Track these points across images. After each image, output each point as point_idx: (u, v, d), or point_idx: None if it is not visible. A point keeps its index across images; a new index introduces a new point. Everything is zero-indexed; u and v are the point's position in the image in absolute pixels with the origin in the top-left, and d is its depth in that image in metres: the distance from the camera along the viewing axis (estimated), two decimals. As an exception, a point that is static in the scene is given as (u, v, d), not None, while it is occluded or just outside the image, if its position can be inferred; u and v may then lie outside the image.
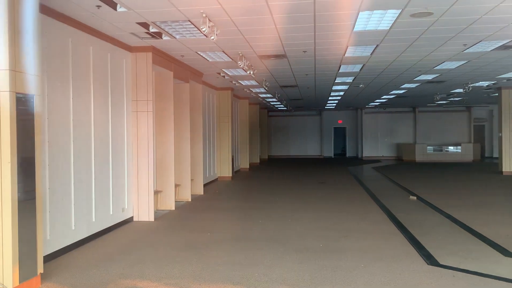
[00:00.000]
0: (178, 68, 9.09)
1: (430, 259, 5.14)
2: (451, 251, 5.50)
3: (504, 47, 8.07)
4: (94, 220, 6.39)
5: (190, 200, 9.86)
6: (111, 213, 6.95)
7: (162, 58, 8.20)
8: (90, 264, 5.14)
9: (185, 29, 6.49)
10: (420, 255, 5.32)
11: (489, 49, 8.33)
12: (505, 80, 13.03)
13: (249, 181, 14.00)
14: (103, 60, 6.70)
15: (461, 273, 4.62)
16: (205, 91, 12.49)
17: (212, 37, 6.01)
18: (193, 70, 10.16)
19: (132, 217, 7.71)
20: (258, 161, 20.47)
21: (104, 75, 6.77)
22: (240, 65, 8.58)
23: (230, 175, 14.23)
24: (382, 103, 21.69)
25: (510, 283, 4.28)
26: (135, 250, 5.78)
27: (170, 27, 6.35)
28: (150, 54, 7.64)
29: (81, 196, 6.04)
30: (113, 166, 7.01)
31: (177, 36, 6.97)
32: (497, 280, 4.37)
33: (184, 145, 9.74)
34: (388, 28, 6.61)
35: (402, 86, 14.45)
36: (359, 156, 25.50)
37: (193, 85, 10.70)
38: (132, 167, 7.70)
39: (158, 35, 6.87)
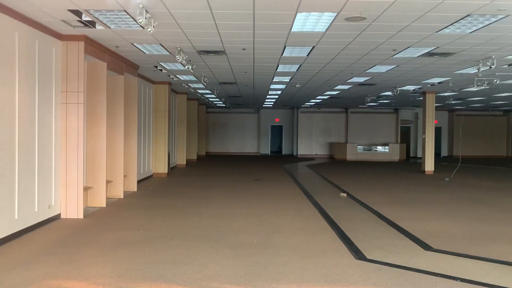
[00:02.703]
0: (112, 59, 8.75)
1: (358, 254, 5.35)
2: (378, 246, 5.77)
3: (429, 54, 8.64)
4: (16, 217, 5.98)
5: (122, 197, 9.56)
6: (36, 210, 6.55)
7: (96, 48, 7.84)
8: (12, 264, 4.81)
9: (121, 19, 6.25)
10: (349, 250, 5.53)
11: (416, 55, 8.87)
12: (429, 85, 13.94)
13: (185, 178, 13.85)
14: (30, 47, 6.28)
15: (386, 266, 4.86)
16: (141, 84, 12.15)
17: (149, 29, 5.84)
18: (129, 62, 9.83)
19: (59, 214, 7.32)
20: (196, 158, 20.30)
21: (31, 63, 6.35)
22: (178, 60, 8.43)
23: (166, 171, 13.99)
24: (317, 103, 22.26)
25: (428, 275, 4.58)
26: (61, 248, 5.49)
27: (105, 16, 6.08)
28: (82, 44, 7.28)
29: (3, 192, 5.64)
30: (39, 161, 6.62)
31: (112, 26, 6.69)
32: (417, 273, 4.66)
33: (117, 139, 9.42)
34: (324, 30, 6.81)
35: (336, 87, 14.89)
36: (295, 154, 26.05)
37: (128, 78, 10.36)
38: (61, 162, 7.31)
39: (91, 24, 6.55)
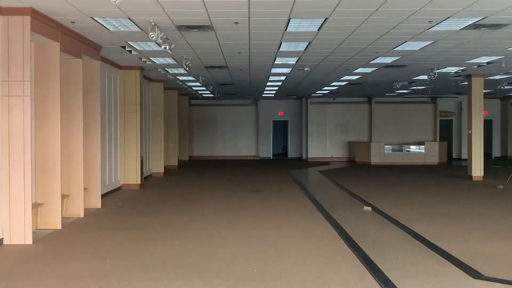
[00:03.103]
0: (67, 39, 8.75)
1: (388, 285, 5.37)
2: (412, 274, 5.78)
3: (475, 25, 8.62)
4: None
5: (82, 215, 9.55)
6: (-29, 234, 6.54)
7: (45, 25, 7.83)
8: None
9: (77, -13, 6.25)
10: (376, 280, 5.54)
11: (458, 28, 8.86)
12: (475, 66, 13.96)
13: (163, 190, 13.88)
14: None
15: (423, 300, 4.87)
16: (105, 70, 12.17)
17: (114, -1, 5.84)
18: (88, 42, 9.83)
19: (1, 240, 7.30)
20: (176, 164, 20.33)
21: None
22: (152, 37, 8.43)
23: (139, 182, 14.02)
24: (331, 92, 22.26)
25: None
26: (3, 284, 5.48)
27: (56, -17, 6.08)
28: (28, 19, 7.27)
29: None
30: (-26, 171, 6.60)
31: (66, -4, 6.71)
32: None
33: (75, 142, 9.42)
34: (340, -3, 6.83)
35: (356, 71, 14.91)
36: (304, 157, 26.15)
37: (88, 62, 10.36)
38: (2, 172, 7.30)
39: (39, -7, 6.56)
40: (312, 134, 25.79)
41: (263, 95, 24.11)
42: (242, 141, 26.78)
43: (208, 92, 21.51)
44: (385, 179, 16.82)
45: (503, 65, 13.24)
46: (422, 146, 23.86)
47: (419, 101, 25.59)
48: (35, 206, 8.14)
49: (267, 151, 27.02)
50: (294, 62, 13.10)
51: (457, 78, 16.62)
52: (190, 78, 16.54)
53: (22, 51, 7.32)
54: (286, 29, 8.88)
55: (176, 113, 20.19)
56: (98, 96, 10.65)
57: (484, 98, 16.49)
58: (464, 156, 25.29)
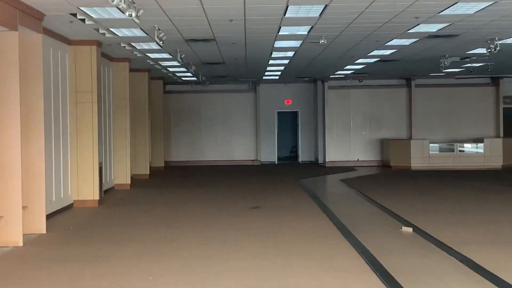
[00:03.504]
0: (-3, 5, 8.73)
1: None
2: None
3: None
4: None
5: (21, 244, 9.49)
6: None
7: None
8: None
9: None
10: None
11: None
12: (551, 36, 13.97)
13: (130, 208, 13.90)
14: None
15: None
16: (49, 45, 12.16)
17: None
18: (26, 8, 9.80)
19: None
20: (148, 172, 20.29)
21: None
22: (113, 1, 8.40)
23: (97, 197, 14.04)
24: (356, 72, 22.29)
25: None
26: None
27: None
28: None
29: None
30: None
31: None
32: None
33: (9, 143, 9.39)
34: None
35: (389, 43, 14.91)
36: (320, 161, 26.16)
37: (26, 35, 10.31)
38: None
39: None
40: (331, 130, 25.78)
41: (264, 77, 24.13)
42: (237, 140, 26.82)
43: (189, 74, 21.50)
44: (431, 190, 16.82)
45: None
46: (481, 145, 23.92)
47: (475, 84, 25.62)
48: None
49: (270, 154, 27.09)
50: (306, 33, 13.07)
51: (526, 51, 16.60)
52: (165, 55, 16.55)
53: None
54: (294, -12, 8.87)
55: (147, 104, 20.18)
56: (41, 81, 10.58)
57: None
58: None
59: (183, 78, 23.76)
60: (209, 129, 26.66)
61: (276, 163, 26.96)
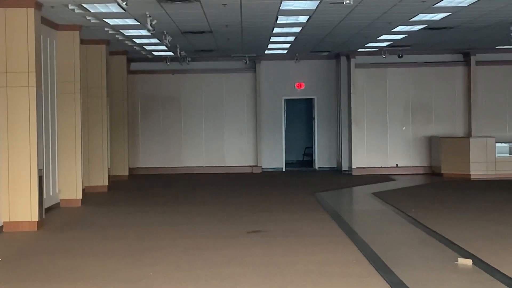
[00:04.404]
0: None
1: None
2: None
3: None
4: None
5: None
6: None
7: None
8: None
9: None
10: None
11: None
12: None
13: (79, 234, 13.82)
14: None
15: None
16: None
17: None
18: None
19: None
20: (106, 184, 20.25)
21: None
22: None
23: (35, 219, 13.99)
24: (395, 44, 22.48)
25: None
26: None
27: None
28: None
29: None
30: None
31: None
32: None
33: None
34: None
35: (439, 4, 15.01)
36: (344, 167, 26.29)
37: None
38: None
39: None
40: (359, 125, 25.84)
41: (267, 52, 24.23)
42: (229, 139, 27.00)
43: (163, 48, 21.56)
44: (498, 208, 16.71)
45: None
46: None
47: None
48: None
49: (275, 158, 27.19)
50: (325, -12, 13.02)
51: None
52: (130, 21, 16.60)
53: None
54: None
55: (105, 88, 20.22)
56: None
57: None
58: None
59: (155, 53, 23.90)
60: (191, 124, 26.79)
61: (284, 170, 27.10)
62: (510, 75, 25.53)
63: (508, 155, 23.64)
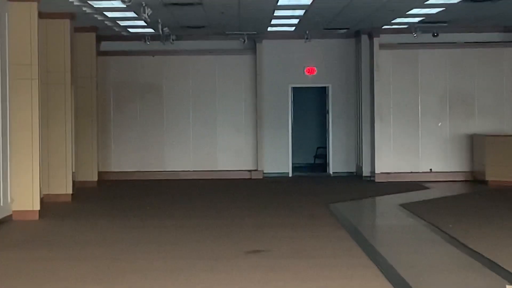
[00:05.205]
0: None
1: None
2: None
3: None
4: None
5: None
6: None
7: None
8: None
9: None
10: None
11: None
12: None
13: (39, 254, 13.68)
14: None
15: None
16: None
17: None
18: None
19: None
20: (71, 192, 20.23)
21: None
22: None
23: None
24: (428, 20, 22.54)
25: None
26: None
27: None
28: None
29: None
30: None
31: None
32: None
33: None
34: None
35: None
36: (366, 172, 26.36)
37: None
38: None
39: None
40: (384, 119, 25.87)
41: (270, 29, 24.23)
42: (223, 137, 27.05)
43: (141, 23, 21.57)
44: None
45: None
46: None
47: None
48: None
49: (280, 161, 27.27)
50: None
51: None
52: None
53: None
54: None
55: (69, 73, 20.21)
56: None
57: None
58: None
59: (131, 30, 23.89)
60: (176, 118, 26.89)
61: (291, 175, 27.13)
62: None
63: None
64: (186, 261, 12.77)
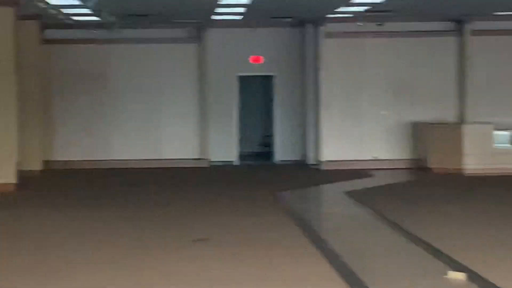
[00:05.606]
0: None
1: None
2: None
3: None
4: None
5: None
6: None
7: None
8: None
9: None
10: None
11: None
12: None
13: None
14: None
15: None
16: None
17: None
18: None
19: None
20: (14, 181, 20.11)
21: None
22: None
23: None
24: (373, 8, 22.55)
25: None
26: None
27: None
28: None
29: None
30: None
31: None
32: None
33: None
34: None
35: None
36: (312, 160, 26.44)
37: None
38: None
39: None
40: (330, 108, 25.89)
41: (215, 17, 24.28)
42: (169, 126, 27.01)
43: (86, 11, 21.47)
44: (499, 211, 16.84)
45: None
46: None
47: None
48: None
49: (226, 149, 27.26)
50: None
51: None
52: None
53: None
54: None
55: (12, 62, 20.03)
56: None
57: None
58: None
59: (75, 18, 23.67)
60: (121, 106, 26.78)
61: (237, 164, 27.18)
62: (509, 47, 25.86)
63: (509, 145, 23.82)
64: (131, 251, 12.72)
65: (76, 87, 26.40)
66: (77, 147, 26.42)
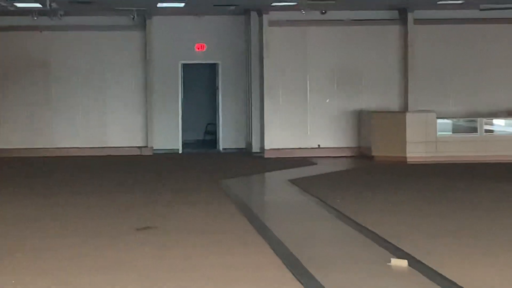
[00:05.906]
0: None
1: None
2: None
3: None
4: None
5: None
6: None
7: None
8: None
9: None
10: None
11: None
12: None
13: None
14: None
15: None
16: None
17: None
18: None
19: None
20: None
21: None
22: None
23: None
24: None
25: None
26: None
27: None
28: None
29: None
30: None
31: None
32: None
33: None
34: None
35: None
36: (255, 148, 26.39)
37: None
38: None
39: None
40: (274, 96, 25.92)
41: (159, 4, 24.07)
42: (112, 114, 26.91)
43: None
44: (439, 198, 17.07)
45: None
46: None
47: (504, 18, 26.02)
48: None
49: (170, 137, 27.17)
50: None
51: None
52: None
53: None
54: None
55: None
56: None
57: None
58: None
59: (18, 5, 23.34)
60: (64, 94, 26.59)
61: (181, 152, 27.13)
62: (455, 36, 25.97)
63: (451, 133, 24.00)
64: (75, 239, 12.60)
65: (19, 74, 26.18)
66: (20, 135, 26.20)
